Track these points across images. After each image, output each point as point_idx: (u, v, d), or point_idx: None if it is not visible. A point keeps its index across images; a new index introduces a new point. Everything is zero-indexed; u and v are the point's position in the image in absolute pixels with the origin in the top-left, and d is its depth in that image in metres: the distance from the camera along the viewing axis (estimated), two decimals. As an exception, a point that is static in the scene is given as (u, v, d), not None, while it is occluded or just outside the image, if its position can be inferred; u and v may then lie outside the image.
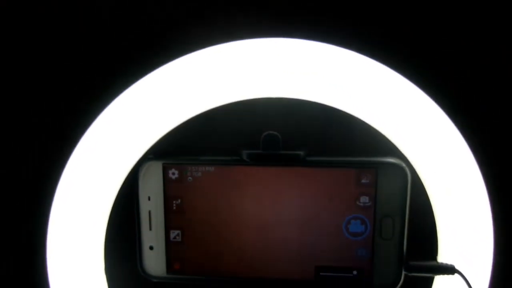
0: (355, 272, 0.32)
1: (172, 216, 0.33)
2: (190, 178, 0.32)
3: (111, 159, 0.32)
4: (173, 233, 0.33)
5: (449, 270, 0.31)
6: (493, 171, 0.31)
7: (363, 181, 0.31)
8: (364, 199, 0.31)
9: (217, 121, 0.33)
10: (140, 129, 0.32)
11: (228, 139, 0.33)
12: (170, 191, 0.32)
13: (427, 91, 0.30)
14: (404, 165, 0.30)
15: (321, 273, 0.32)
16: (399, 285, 0.31)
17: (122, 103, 0.32)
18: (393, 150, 0.32)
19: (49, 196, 0.32)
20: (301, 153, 0.30)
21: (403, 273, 0.31)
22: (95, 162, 0.32)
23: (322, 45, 0.30)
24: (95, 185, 0.32)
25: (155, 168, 0.32)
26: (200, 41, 0.30)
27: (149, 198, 0.32)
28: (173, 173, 0.32)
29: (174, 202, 0.32)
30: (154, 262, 0.33)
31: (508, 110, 0.33)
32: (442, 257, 0.33)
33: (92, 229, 0.33)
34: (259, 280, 0.33)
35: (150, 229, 0.33)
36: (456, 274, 0.31)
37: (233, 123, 0.33)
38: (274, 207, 0.32)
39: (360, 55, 0.30)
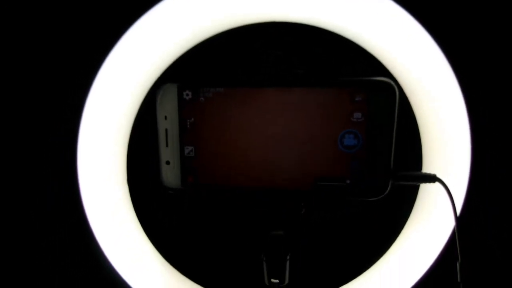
0: (348, 181, 0.36)
1: (186, 133, 0.36)
2: (202, 98, 0.36)
3: (132, 81, 0.36)
4: (187, 149, 0.37)
5: (431, 178, 0.34)
6: (473, 93, 0.35)
7: (356, 98, 0.34)
8: (357, 115, 0.34)
9: (223, 47, 0.36)
10: (157, 52, 0.36)
11: (235, 63, 0.36)
12: (184, 110, 0.36)
13: (416, 16, 0.33)
14: (393, 83, 0.34)
15: (318, 183, 0.36)
16: (386, 192, 0.35)
17: (139, 30, 0.35)
18: (384, 72, 0.35)
19: (76, 118, 0.35)
20: (300, 71, 0.34)
21: (390, 182, 0.35)
22: (116, 86, 0.36)
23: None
24: (118, 105, 0.36)
25: (171, 90, 0.36)
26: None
27: (165, 118, 0.36)
28: (187, 94, 0.36)
29: (188, 120, 0.36)
30: (170, 175, 0.37)
31: (491, 36, 0.36)
32: (426, 169, 0.37)
33: (115, 146, 0.38)
34: (264, 189, 0.37)
35: (167, 145, 0.37)
36: (437, 183, 0.34)
37: (237, 48, 0.36)
38: (276, 124, 0.35)
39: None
